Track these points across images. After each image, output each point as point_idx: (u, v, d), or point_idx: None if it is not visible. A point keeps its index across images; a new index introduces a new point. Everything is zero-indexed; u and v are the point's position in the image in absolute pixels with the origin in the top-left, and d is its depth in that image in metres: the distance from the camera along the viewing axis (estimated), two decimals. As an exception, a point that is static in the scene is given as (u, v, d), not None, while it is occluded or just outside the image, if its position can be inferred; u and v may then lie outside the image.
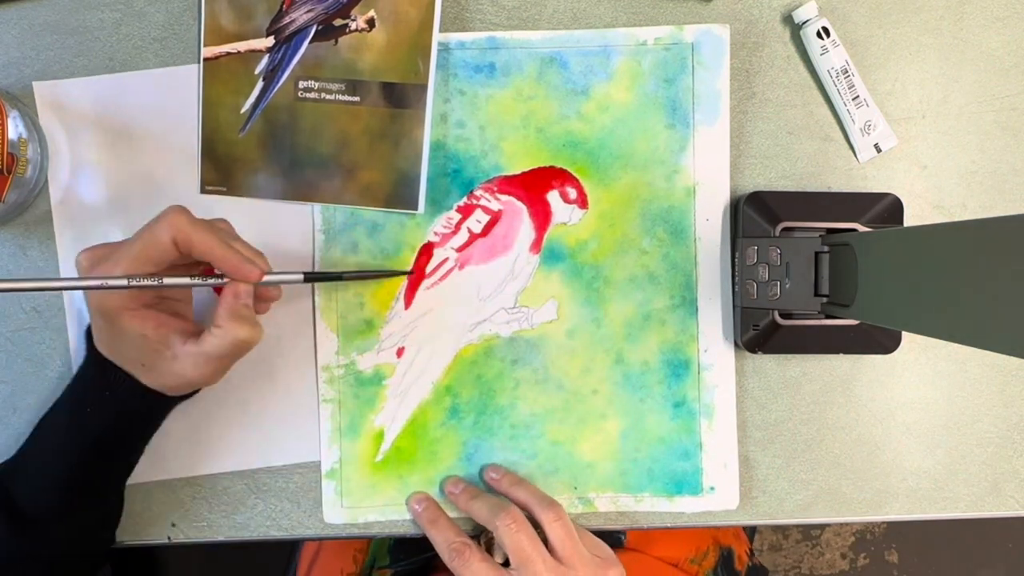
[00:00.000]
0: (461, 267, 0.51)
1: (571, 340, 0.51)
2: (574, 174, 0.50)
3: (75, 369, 0.47)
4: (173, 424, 0.49)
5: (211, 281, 0.42)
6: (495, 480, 0.50)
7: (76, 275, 0.42)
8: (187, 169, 0.49)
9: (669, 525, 0.52)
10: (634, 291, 0.51)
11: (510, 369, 0.51)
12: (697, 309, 0.51)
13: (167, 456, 0.50)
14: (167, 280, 0.40)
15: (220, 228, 0.44)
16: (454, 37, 0.49)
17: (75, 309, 0.50)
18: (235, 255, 0.41)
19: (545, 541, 0.46)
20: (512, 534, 0.45)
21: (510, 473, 0.51)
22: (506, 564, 0.46)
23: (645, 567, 0.50)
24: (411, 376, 0.51)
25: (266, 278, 0.42)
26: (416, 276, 0.51)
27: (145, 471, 0.50)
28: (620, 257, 0.51)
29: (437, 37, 0.48)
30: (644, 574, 0.65)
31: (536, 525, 0.47)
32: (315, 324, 0.50)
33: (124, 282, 0.38)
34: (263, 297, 0.45)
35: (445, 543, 0.47)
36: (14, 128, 0.46)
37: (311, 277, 0.45)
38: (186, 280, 0.41)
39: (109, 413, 0.44)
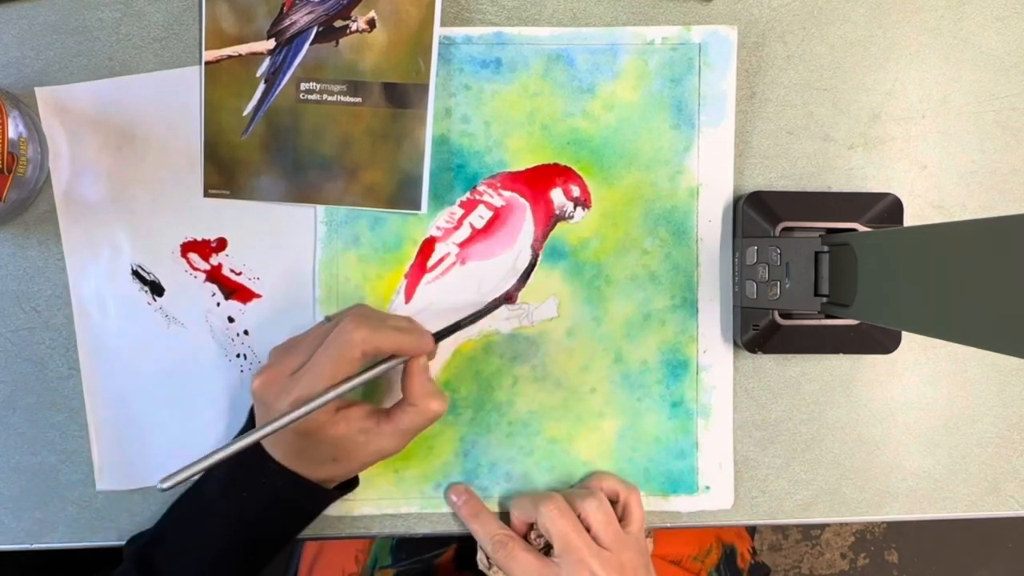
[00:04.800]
0: (463, 262, 0.51)
1: (570, 338, 0.51)
2: (578, 172, 0.50)
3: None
4: (172, 422, 0.49)
5: (395, 362, 0.44)
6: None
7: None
8: (190, 170, 0.49)
9: (668, 525, 0.52)
10: (635, 290, 0.51)
11: (509, 366, 0.51)
12: (697, 310, 0.51)
13: (166, 455, 0.50)
14: (362, 377, 0.43)
15: (382, 319, 0.45)
16: (460, 32, 0.49)
17: (81, 307, 0.50)
18: (411, 338, 0.44)
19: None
20: (555, 519, 0.45)
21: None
22: (548, 552, 0.47)
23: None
24: (410, 371, 0.51)
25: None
26: (417, 270, 0.51)
27: (145, 472, 0.50)
28: (622, 256, 0.51)
29: (438, 36, 0.48)
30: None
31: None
32: (314, 316, 0.50)
33: (331, 395, 0.41)
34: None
35: (488, 535, 0.47)
36: (14, 128, 0.46)
37: (439, 336, 0.47)
38: (377, 370, 0.44)
39: (267, 501, 0.44)
